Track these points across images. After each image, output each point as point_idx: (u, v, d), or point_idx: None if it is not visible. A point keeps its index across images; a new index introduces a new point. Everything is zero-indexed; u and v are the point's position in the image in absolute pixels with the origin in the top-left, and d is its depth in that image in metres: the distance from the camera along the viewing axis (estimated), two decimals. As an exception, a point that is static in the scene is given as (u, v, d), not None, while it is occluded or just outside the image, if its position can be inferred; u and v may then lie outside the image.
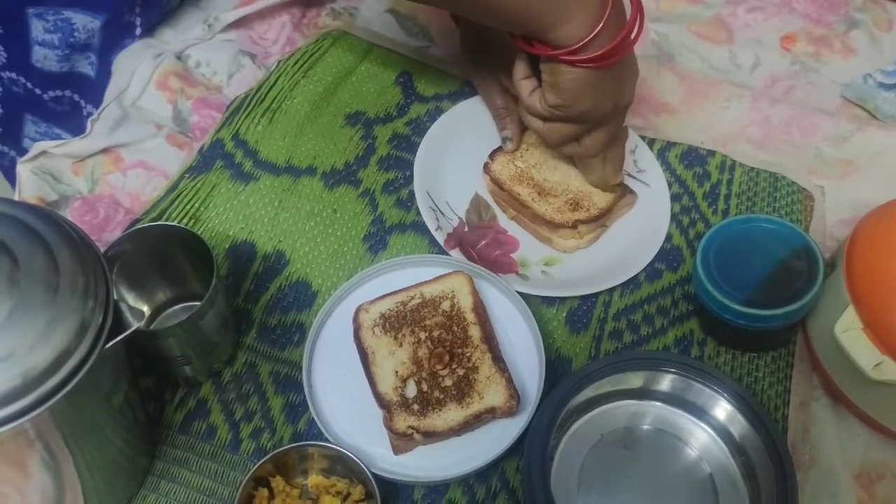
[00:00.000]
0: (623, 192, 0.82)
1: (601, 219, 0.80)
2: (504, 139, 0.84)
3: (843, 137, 0.88)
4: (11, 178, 0.88)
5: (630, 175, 0.84)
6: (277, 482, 0.65)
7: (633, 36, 0.69)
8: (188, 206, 0.82)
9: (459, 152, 0.85)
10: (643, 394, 0.69)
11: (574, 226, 0.79)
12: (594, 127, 0.75)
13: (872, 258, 0.67)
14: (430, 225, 0.79)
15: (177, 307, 0.75)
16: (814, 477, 0.69)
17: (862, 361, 0.65)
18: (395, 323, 0.72)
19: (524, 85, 0.74)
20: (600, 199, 0.81)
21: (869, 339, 0.65)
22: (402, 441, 0.67)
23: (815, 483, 0.68)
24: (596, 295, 0.78)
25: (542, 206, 0.80)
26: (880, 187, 0.83)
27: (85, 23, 0.85)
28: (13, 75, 0.88)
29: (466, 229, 0.81)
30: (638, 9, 0.68)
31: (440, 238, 0.78)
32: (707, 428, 0.68)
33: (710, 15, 1.00)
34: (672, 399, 0.68)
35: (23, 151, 0.91)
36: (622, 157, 0.80)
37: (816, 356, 0.72)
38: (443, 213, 0.81)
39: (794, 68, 0.95)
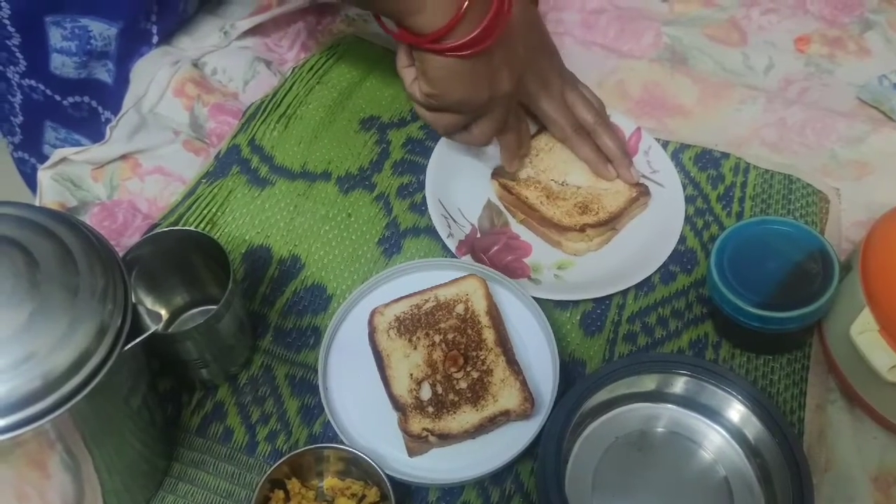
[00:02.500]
0: (637, 195, 0.82)
1: (610, 222, 0.80)
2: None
3: (858, 139, 0.88)
4: (32, 184, 0.89)
5: (644, 176, 0.84)
6: (293, 484, 0.65)
7: (498, 24, 0.68)
8: (205, 211, 0.83)
9: (472, 159, 0.85)
10: (657, 396, 0.69)
11: (582, 229, 0.79)
12: (479, 116, 0.75)
13: (888, 260, 0.67)
14: (442, 232, 0.79)
15: (194, 311, 0.76)
16: (830, 480, 0.68)
17: (878, 363, 0.65)
18: (409, 326, 0.72)
19: (405, 73, 0.75)
20: (609, 202, 0.81)
21: (885, 341, 0.65)
22: (416, 443, 0.68)
23: (832, 486, 0.68)
24: (610, 298, 0.78)
25: (550, 209, 0.81)
26: (896, 189, 0.83)
27: (101, 30, 0.86)
28: (32, 82, 0.89)
29: (478, 236, 0.82)
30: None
31: (452, 245, 0.79)
32: (722, 431, 0.68)
33: (724, 17, 1.00)
34: (686, 402, 0.68)
35: (43, 158, 0.92)
36: (515, 145, 0.80)
37: (832, 358, 0.72)
38: (455, 221, 0.82)
39: (809, 70, 0.95)
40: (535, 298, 0.74)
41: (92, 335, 0.52)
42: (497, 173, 0.84)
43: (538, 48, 0.85)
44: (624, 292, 0.78)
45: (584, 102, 0.84)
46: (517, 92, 0.76)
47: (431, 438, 0.67)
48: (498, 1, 0.67)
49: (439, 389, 0.69)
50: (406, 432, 0.67)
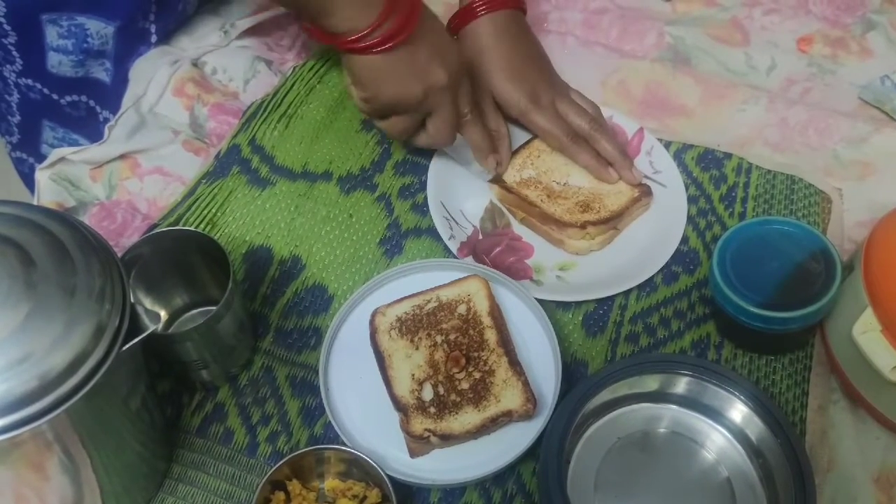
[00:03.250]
0: (639, 195, 0.81)
1: (611, 221, 0.80)
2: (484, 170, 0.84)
3: (861, 139, 0.88)
4: (31, 184, 0.89)
5: (647, 176, 0.84)
6: (294, 485, 0.65)
7: (410, 19, 0.70)
8: (205, 212, 0.82)
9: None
10: (660, 397, 0.68)
11: (583, 226, 0.78)
12: (428, 114, 0.76)
13: (891, 259, 0.66)
14: (444, 234, 0.79)
15: (194, 311, 0.76)
16: (832, 480, 0.68)
17: (880, 363, 0.64)
18: (411, 326, 0.72)
19: (351, 91, 0.77)
20: (611, 201, 0.81)
21: (887, 341, 0.64)
22: (418, 444, 0.67)
23: (834, 486, 0.68)
24: (612, 298, 0.77)
25: (551, 206, 0.81)
26: (899, 189, 0.83)
27: (98, 29, 0.86)
28: (30, 81, 0.89)
29: (480, 237, 0.81)
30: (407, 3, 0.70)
31: (453, 246, 0.78)
32: (724, 431, 0.67)
33: (727, 17, 1.00)
34: (688, 402, 0.68)
35: (41, 157, 0.92)
36: (480, 141, 0.80)
37: (835, 359, 0.72)
38: (457, 222, 0.81)
39: (811, 70, 0.95)
40: (537, 299, 0.74)
41: (89, 335, 0.51)
42: (494, 178, 0.83)
43: (527, 58, 0.85)
44: (626, 293, 0.78)
45: (576, 110, 0.84)
46: (456, 84, 0.76)
47: (433, 439, 0.67)
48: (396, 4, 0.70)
49: (441, 390, 0.69)
50: (408, 433, 0.67)
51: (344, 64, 0.74)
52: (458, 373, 0.69)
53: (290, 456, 0.64)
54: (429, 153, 0.85)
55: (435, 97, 0.75)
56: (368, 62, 0.72)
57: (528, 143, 0.86)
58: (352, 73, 0.74)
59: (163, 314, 0.74)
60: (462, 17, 0.86)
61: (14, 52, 0.86)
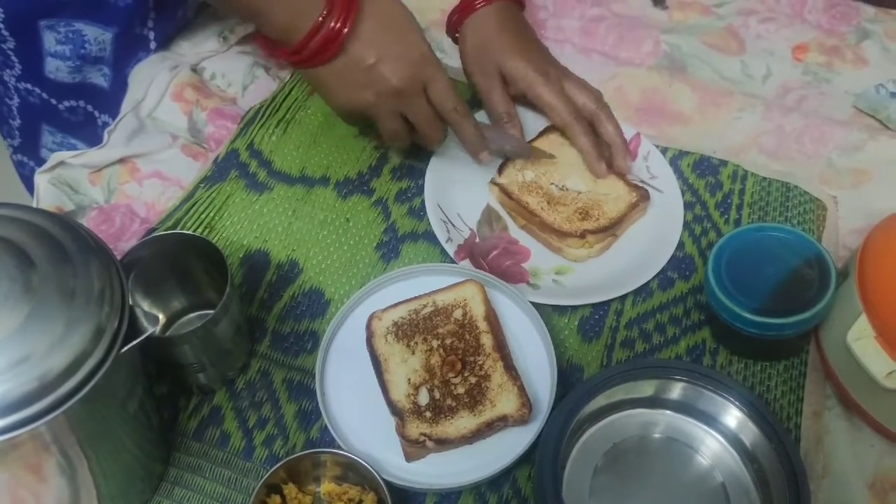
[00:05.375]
0: (637, 200, 0.82)
1: (611, 228, 0.80)
2: (502, 152, 0.84)
3: (856, 147, 0.88)
4: (31, 187, 0.89)
5: (643, 182, 0.84)
6: (290, 489, 0.65)
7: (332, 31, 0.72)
8: (203, 216, 0.83)
9: (471, 163, 0.85)
10: (655, 402, 0.69)
11: (582, 235, 0.79)
12: (407, 113, 0.77)
13: (885, 266, 0.67)
14: (441, 237, 0.79)
15: (192, 315, 0.76)
16: (827, 486, 0.68)
17: (875, 370, 0.65)
18: (407, 331, 0.72)
19: None
20: (610, 208, 0.81)
21: (881, 348, 0.65)
22: (414, 448, 0.67)
23: (829, 493, 0.68)
24: (608, 304, 0.78)
25: (550, 214, 0.81)
26: (893, 196, 0.83)
27: (96, 35, 0.86)
28: (28, 86, 0.89)
29: (477, 240, 0.82)
30: (341, 10, 0.72)
31: (450, 249, 0.79)
32: (719, 437, 0.68)
33: (722, 26, 1.00)
34: (684, 408, 0.68)
35: (41, 161, 0.92)
36: (470, 134, 0.80)
37: (829, 365, 0.72)
38: (454, 225, 0.82)
39: (806, 78, 0.95)
40: (533, 304, 0.74)
41: (88, 337, 0.52)
42: (497, 180, 0.84)
43: (530, 41, 0.86)
44: (622, 298, 0.78)
45: (583, 89, 0.85)
46: (416, 82, 0.76)
47: (429, 443, 0.67)
48: (327, 14, 0.72)
49: (437, 394, 0.69)
50: (404, 437, 0.67)
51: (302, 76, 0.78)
52: (453, 377, 0.70)
53: (286, 459, 0.64)
54: (426, 158, 0.85)
55: (392, 99, 0.75)
56: (314, 74, 0.75)
57: (529, 142, 0.86)
58: (309, 84, 0.77)
59: (161, 317, 0.74)
60: (462, 12, 0.87)
61: (13, 57, 0.86)
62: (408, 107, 0.77)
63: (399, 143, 0.82)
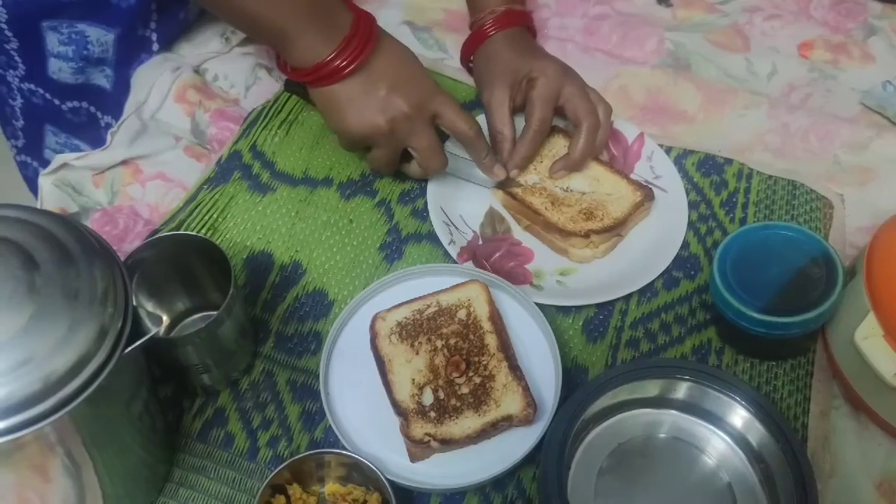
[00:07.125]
0: (641, 199, 0.81)
1: (615, 228, 0.80)
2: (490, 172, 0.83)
3: (862, 145, 0.88)
4: (35, 188, 0.89)
5: (648, 181, 0.84)
6: (294, 490, 0.65)
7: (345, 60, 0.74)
8: (206, 217, 0.82)
9: (474, 165, 0.85)
10: (660, 402, 0.68)
11: (586, 235, 0.78)
12: (407, 144, 0.78)
13: (893, 264, 0.66)
14: (444, 239, 0.79)
15: (195, 316, 0.76)
16: (834, 486, 0.68)
17: (883, 369, 0.64)
18: (411, 331, 0.72)
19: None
20: (614, 208, 0.81)
21: (890, 347, 0.64)
22: (418, 449, 0.67)
23: (836, 492, 0.68)
24: (612, 304, 0.77)
25: (554, 214, 0.80)
26: (901, 194, 0.83)
27: (98, 36, 0.86)
28: (32, 86, 0.89)
29: (480, 242, 0.81)
30: (364, 34, 0.74)
31: (453, 252, 0.79)
32: (725, 436, 0.67)
33: (727, 24, 1.00)
34: (689, 407, 0.68)
35: (44, 162, 0.93)
36: (484, 152, 0.80)
37: (836, 364, 0.72)
38: (457, 228, 0.82)
39: (812, 76, 0.95)
40: (537, 304, 0.74)
41: (92, 338, 0.52)
42: (499, 184, 0.83)
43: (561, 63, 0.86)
44: (627, 298, 0.78)
45: (601, 101, 0.85)
46: (424, 109, 0.76)
47: (433, 444, 0.67)
48: (354, 27, 0.74)
49: (441, 395, 0.69)
50: (408, 438, 0.67)
51: (312, 98, 0.78)
52: (458, 377, 0.69)
53: (290, 460, 0.64)
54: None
55: (403, 125, 0.76)
56: (328, 93, 0.75)
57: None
58: (318, 107, 0.77)
59: (164, 318, 0.74)
60: (474, 40, 0.89)
61: (17, 58, 0.86)
62: (414, 134, 0.77)
63: (386, 172, 0.83)
